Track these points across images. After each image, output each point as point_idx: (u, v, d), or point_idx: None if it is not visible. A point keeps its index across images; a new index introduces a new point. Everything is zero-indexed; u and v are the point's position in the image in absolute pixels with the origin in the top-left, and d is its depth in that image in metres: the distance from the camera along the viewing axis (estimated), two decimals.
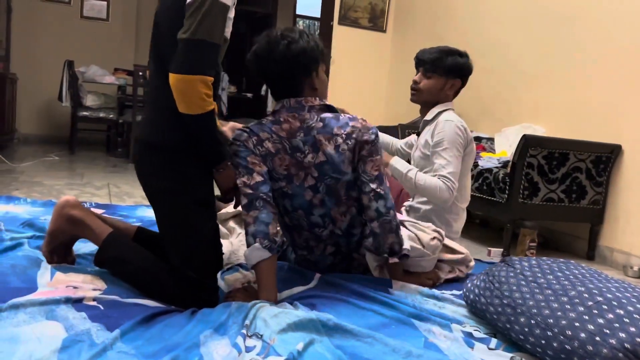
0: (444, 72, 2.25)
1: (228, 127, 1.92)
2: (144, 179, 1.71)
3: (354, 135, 1.75)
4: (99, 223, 1.76)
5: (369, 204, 1.77)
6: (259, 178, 1.69)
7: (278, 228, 1.68)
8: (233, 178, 1.72)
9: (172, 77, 1.50)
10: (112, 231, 1.75)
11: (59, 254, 1.79)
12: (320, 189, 1.77)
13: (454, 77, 2.26)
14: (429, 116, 2.31)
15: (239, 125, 1.91)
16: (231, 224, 2.43)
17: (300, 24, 11.14)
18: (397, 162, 2.22)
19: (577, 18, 3.26)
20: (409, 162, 2.39)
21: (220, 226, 1.99)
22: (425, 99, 2.32)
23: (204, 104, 1.53)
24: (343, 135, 1.75)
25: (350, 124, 1.76)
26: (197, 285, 1.61)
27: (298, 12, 9.21)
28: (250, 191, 1.67)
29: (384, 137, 2.65)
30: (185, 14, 1.53)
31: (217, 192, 1.78)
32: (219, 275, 1.91)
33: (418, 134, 2.40)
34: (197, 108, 1.52)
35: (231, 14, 1.65)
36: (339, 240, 1.88)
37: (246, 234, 1.66)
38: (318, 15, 6.15)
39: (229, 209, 2.38)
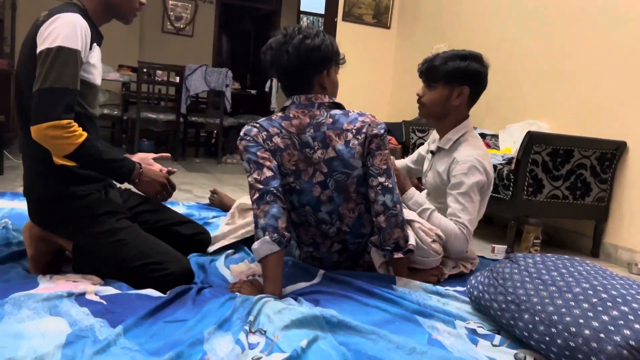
0: (446, 80, 1.99)
1: (137, 158, 1.90)
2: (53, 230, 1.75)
3: (363, 130, 1.76)
4: None
5: (375, 198, 1.77)
6: (269, 173, 1.69)
7: (287, 223, 1.69)
8: (154, 184, 1.78)
9: (32, 131, 1.56)
10: None
11: (51, 270, 1.76)
12: (329, 184, 1.78)
13: (459, 84, 1.99)
14: (444, 144, 2.08)
15: (149, 156, 1.96)
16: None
17: (304, 20, 11.13)
18: (415, 195, 2.03)
19: (582, 15, 3.24)
20: (419, 180, 2.31)
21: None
22: (431, 112, 2.08)
23: (67, 141, 1.57)
24: (353, 131, 1.76)
25: (360, 119, 1.77)
26: (161, 276, 1.64)
27: (302, 8, 9.21)
28: (260, 186, 1.67)
29: None
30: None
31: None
32: (223, 262, 1.97)
33: (432, 153, 2.19)
34: (66, 147, 1.57)
35: (92, 59, 1.70)
36: (345, 238, 1.88)
37: (255, 227, 1.67)
38: (322, 11, 6.14)
39: (249, 200, 2.44)
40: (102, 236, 1.69)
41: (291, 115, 1.77)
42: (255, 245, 1.65)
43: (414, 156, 2.43)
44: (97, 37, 1.75)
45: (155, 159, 1.98)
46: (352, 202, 1.82)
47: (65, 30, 1.57)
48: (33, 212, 1.77)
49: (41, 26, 1.59)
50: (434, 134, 2.23)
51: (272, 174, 1.70)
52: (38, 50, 1.58)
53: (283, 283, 1.72)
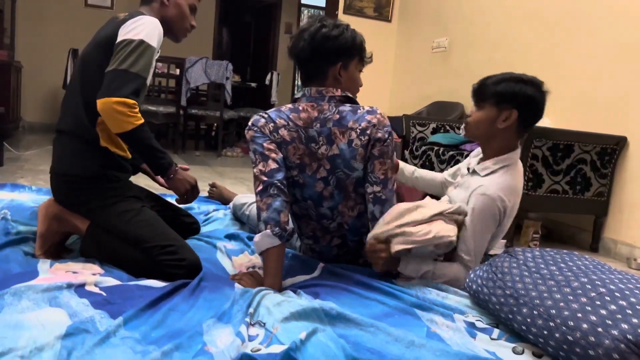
0: (494, 101, 1.84)
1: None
2: (71, 207, 1.84)
3: (367, 132, 1.71)
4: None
5: (367, 205, 1.78)
6: (274, 165, 1.69)
7: (288, 216, 1.70)
8: (184, 182, 1.85)
9: (97, 103, 1.67)
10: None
11: (53, 254, 1.82)
12: (331, 181, 1.77)
13: (508, 106, 1.82)
14: (481, 170, 1.90)
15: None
16: None
17: (305, 13, 11.10)
18: (409, 263, 1.78)
19: (583, 10, 3.23)
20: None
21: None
22: (474, 133, 1.92)
23: (129, 119, 1.67)
24: (357, 130, 1.71)
25: (367, 117, 1.72)
26: (175, 259, 1.69)
27: (303, 1, 9.17)
28: (265, 178, 1.67)
29: (423, 173, 2.25)
30: (113, 52, 1.72)
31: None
32: (223, 253, 2.01)
33: (469, 170, 1.99)
34: (125, 125, 1.67)
35: (154, 59, 1.83)
36: (345, 234, 1.88)
37: (258, 219, 1.67)
38: (323, 4, 6.12)
39: (247, 198, 2.58)
40: (126, 214, 1.77)
41: (300, 108, 1.76)
42: (257, 238, 1.65)
43: (453, 170, 2.21)
44: None
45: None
46: (351, 200, 1.81)
47: (149, 28, 1.74)
48: (59, 189, 1.84)
49: (123, 23, 1.75)
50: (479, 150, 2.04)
51: (277, 166, 1.70)
52: (119, 40, 1.72)
53: (283, 276, 1.72)
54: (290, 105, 1.78)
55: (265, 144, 1.71)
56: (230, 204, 2.71)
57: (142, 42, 1.71)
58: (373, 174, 1.74)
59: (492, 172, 1.87)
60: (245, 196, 2.64)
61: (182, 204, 1.97)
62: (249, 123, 1.76)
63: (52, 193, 1.87)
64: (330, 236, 1.89)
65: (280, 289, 1.64)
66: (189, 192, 1.89)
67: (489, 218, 1.80)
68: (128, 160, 1.92)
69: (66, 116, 1.83)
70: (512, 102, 1.82)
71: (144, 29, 1.73)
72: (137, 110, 1.69)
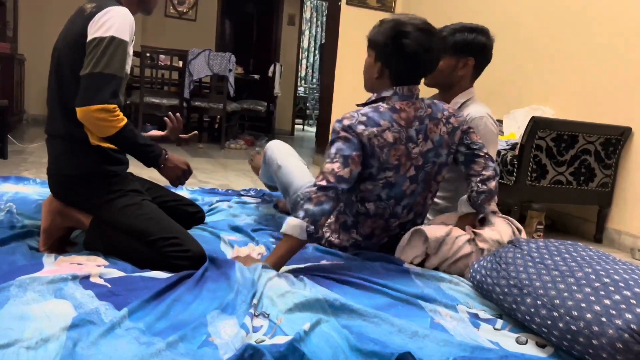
0: (453, 51, 2.07)
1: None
2: (74, 205, 1.84)
3: (451, 120, 1.83)
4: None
5: (486, 164, 1.88)
6: (347, 175, 1.68)
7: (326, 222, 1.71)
8: (176, 170, 1.87)
9: (77, 112, 1.66)
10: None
11: (57, 249, 1.82)
12: (419, 178, 1.82)
13: (465, 55, 2.07)
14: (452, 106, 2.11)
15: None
16: None
17: (308, 4, 11.06)
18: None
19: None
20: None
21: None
22: (437, 81, 2.17)
23: (111, 124, 1.67)
24: (443, 120, 1.82)
25: (444, 107, 1.84)
26: (180, 251, 1.69)
27: None
28: (332, 180, 1.66)
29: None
30: (85, 52, 1.69)
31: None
32: (226, 243, 2.02)
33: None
34: (108, 130, 1.68)
35: (130, 50, 1.81)
36: (399, 233, 1.92)
37: (301, 206, 1.66)
38: None
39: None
40: (128, 208, 1.77)
41: (398, 108, 1.75)
42: (292, 220, 1.65)
43: None
44: None
45: (185, 138, 2.22)
46: (429, 192, 1.88)
47: (118, 21, 1.69)
48: (58, 189, 1.84)
49: (91, 17, 1.70)
50: None
51: (349, 177, 1.69)
52: (89, 38, 1.68)
53: (290, 261, 1.74)
54: (385, 105, 1.76)
55: (354, 154, 1.69)
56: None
57: (113, 38, 1.67)
58: (475, 142, 1.89)
59: (462, 105, 2.13)
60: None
61: (175, 186, 1.99)
62: (345, 123, 1.72)
63: (52, 193, 1.87)
64: (386, 235, 1.92)
65: (278, 271, 1.65)
66: (180, 178, 1.91)
67: (493, 132, 2.06)
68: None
69: (52, 120, 1.82)
70: (468, 50, 2.06)
71: (114, 22, 1.68)
72: (117, 112, 1.68)
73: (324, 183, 1.66)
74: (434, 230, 1.85)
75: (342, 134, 1.71)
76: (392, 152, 1.73)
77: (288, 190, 2.26)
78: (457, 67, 2.09)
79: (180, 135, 2.21)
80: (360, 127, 1.70)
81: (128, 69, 1.84)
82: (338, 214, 1.96)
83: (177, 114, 2.20)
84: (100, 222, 1.79)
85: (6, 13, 5.56)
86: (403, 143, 1.74)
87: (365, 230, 1.91)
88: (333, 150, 1.70)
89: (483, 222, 1.97)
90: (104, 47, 1.66)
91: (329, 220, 1.98)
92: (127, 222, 1.74)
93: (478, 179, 1.90)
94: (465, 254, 1.84)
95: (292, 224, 1.64)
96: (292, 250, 1.67)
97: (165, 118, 2.19)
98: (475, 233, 1.88)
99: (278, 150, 2.39)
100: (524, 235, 2.01)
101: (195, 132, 2.27)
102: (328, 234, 1.96)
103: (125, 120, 1.71)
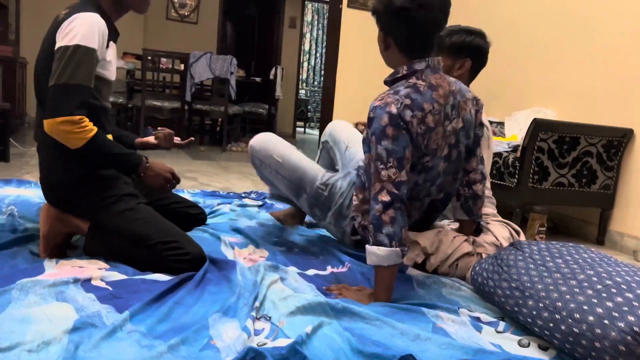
0: (449, 52, 2.05)
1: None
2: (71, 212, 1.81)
3: (475, 101, 1.77)
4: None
5: (476, 167, 1.83)
6: (404, 177, 1.54)
7: None
8: (158, 178, 1.81)
9: (44, 124, 1.64)
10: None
11: (58, 254, 1.79)
12: (453, 156, 1.73)
13: (462, 56, 2.05)
14: None
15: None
16: None
17: (309, 7, 11.08)
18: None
19: (589, 1, 3.21)
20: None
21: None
22: None
23: (78, 136, 1.63)
24: (470, 100, 1.75)
25: (465, 88, 1.76)
26: (179, 254, 1.68)
27: None
28: (394, 190, 1.52)
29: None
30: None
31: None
32: (227, 245, 2.01)
33: None
34: (76, 141, 1.64)
35: (108, 56, 1.76)
36: (432, 212, 1.87)
37: (378, 230, 1.52)
38: None
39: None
40: (125, 213, 1.74)
41: (434, 84, 1.60)
42: (381, 252, 1.51)
43: None
44: (113, 34, 1.81)
45: (182, 144, 2.14)
46: (457, 172, 1.81)
47: (84, 29, 1.63)
48: (52, 197, 1.82)
49: (62, 24, 1.65)
50: None
51: (406, 178, 1.54)
52: (56, 46, 1.64)
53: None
54: (420, 82, 1.60)
55: (407, 151, 1.54)
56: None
57: (78, 47, 1.62)
58: (479, 135, 1.83)
59: None
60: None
61: (163, 193, 1.93)
62: (392, 110, 1.53)
63: (46, 200, 1.85)
64: (418, 213, 1.82)
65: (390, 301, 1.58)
66: (165, 185, 1.84)
67: (489, 135, 2.06)
68: None
69: (39, 128, 1.78)
70: (465, 52, 2.04)
71: (79, 30, 1.62)
72: (84, 123, 1.64)
73: (387, 198, 1.51)
74: (424, 233, 1.86)
75: (390, 130, 1.52)
76: (433, 136, 1.60)
77: (301, 187, 2.03)
78: (453, 67, 2.07)
79: (175, 142, 2.14)
80: (408, 114, 1.54)
81: (112, 75, 1.80)
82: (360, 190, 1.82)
83: (167, 130, 2.11)
84: (98, 228, 1.77)
85: (8, 16, 5.57)
86: (441, 124, 1.61)
87: None
88: (383, 152, 1.53)
89: (478, 232, 1.97)
90: (69, 57, 1.61)
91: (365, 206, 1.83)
92: (124, 228, 1.72)
93: (464, 180, 1.85)
94: (465, 253, 1.84)
95: (383, 255, 1.51)
96: (394, 275, 1.57)
97: (156, 133, 2.10)
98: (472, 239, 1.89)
99: (266, 143, 2.13)
100: (522, 237, 2.02)
101: (192, 138, 2.20)
102: (360, 219, 1.80)
103: (95, 130, 1.66)
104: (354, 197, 1.80)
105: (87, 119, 1.65)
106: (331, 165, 2.32)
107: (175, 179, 1.87)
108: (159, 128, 2.13)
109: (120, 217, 1.74)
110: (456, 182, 1.84)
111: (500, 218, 2.07)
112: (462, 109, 1.69)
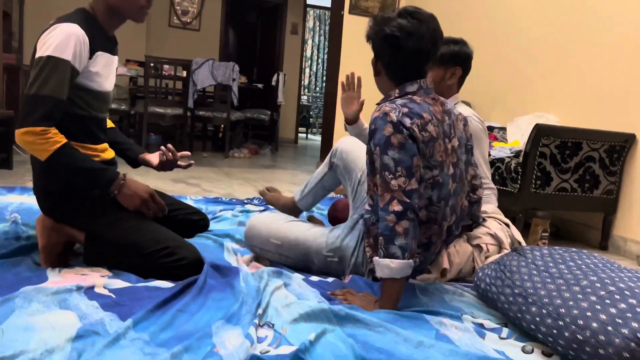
0: (440, 63, 2.14)
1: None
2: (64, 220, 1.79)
3: (460, 117, 1.78)
4: None
5: (476, 173, 1.86)
6: (414, 185, 1.52)
7: None
8: (133, 198, 1.74)
9: (15, 134, 1.61)
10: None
11: (60, 263, 1.78)
12: (457, 175, 1.70)
13: (452, 65, 2.15)
14: None
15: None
16: None
17: (311, 13, 11.11)
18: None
19: (590, 6, 3.21)
20: None
21: None
22: None
23: (42, 147, 1.60)
24: (459, 117, 1.77)
25: (452, 104, 1.79)
26: (175, 260, 1.67)
27: (309, 1, 9.18)
28: (405, 199, 1.50)
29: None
30: None
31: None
32: (230, 251, 2.02)
33: None
34: (40, 153, 1.62)
35: (94, 67, 1.71)
36: (447, 238, 1.81)
37: (390, 242, 1.49)
38: (329, 4, 6.11)
39: None
40: (116, 224, 1.72)
41: (429, 102, 1.63)
42: (394, 264, 1.49)
43: None
44: (105, 44, 1.77)
45: (183, 166, 2.07)
46: (464, 192, 1.80)
47: (58, 40, 1.61)
48: (45, 206, 1.82)
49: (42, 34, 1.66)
50: None
51: (416, 186, 1.52)
52: (35, 57, 1.65)
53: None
54: (418, 98, 1.61)
55: (415, 158, 1.52)
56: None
57: (49, 58, 1.59)
58: (471, 144, 1.86)
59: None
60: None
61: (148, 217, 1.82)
62: (392, 117, 1.52)
63: (40, 210, 1.84)
64: (441, 241, 1.75)
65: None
66: (141, 208, 1.75)
67: (482, 129, 2.15)
68: (109, 162, 1.86)
69: None
70: (455, 61, 2.15)
71: (54, 41, 1.60)
72: (48, 135, 1.59)
73: (399, 208, 1.49)
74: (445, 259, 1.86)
75: (398, 137, 1.52)
76: (436, 147, 1.58)
77: (308, 260, 1.90)
78: (445, 77, 2.17)
79: (179, 164, 2.05)
80: (407, 120, 1.53)
81: (104, 85, 1.76)
82: (371, 227, 1.74)
83: (173, 149, 2.01)
84: (94, 239, 1.76)
85: (12, 24, 5.59)
86: (442, 138, 1.61)
87: (421, 239, 1.69)
88: (390, 162, 1.52)
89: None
90: (40, 68, 1.60)
91: (366, 242, 1.77)
92: (119, 237, 1.70)
93: (469, 188, 1.85)
94: (468, 253, 1.91)
95: (396, 268, 1.49)
96: (402, 286, 1.57)
97: (163, 147, 2.01)
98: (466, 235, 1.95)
99: (258, 228, 1.97)
100: (513, 229, 2.08)
101: (192, 162, 2.12)
102: (370, 252, 1.75)
103: (61, 142, 1.62)
104: (365, 243, 1.76)
105: (53, 131, 1.61)
106: (338, 183, 2.21)
107: (156, 203, 1.78)
108: (163, 148, 2.02)
109: (113, 228, 1.71)
110: (463, 208, 1.85)
111: (488, 213, 2.08)
112: (457, 128, 1.72)
